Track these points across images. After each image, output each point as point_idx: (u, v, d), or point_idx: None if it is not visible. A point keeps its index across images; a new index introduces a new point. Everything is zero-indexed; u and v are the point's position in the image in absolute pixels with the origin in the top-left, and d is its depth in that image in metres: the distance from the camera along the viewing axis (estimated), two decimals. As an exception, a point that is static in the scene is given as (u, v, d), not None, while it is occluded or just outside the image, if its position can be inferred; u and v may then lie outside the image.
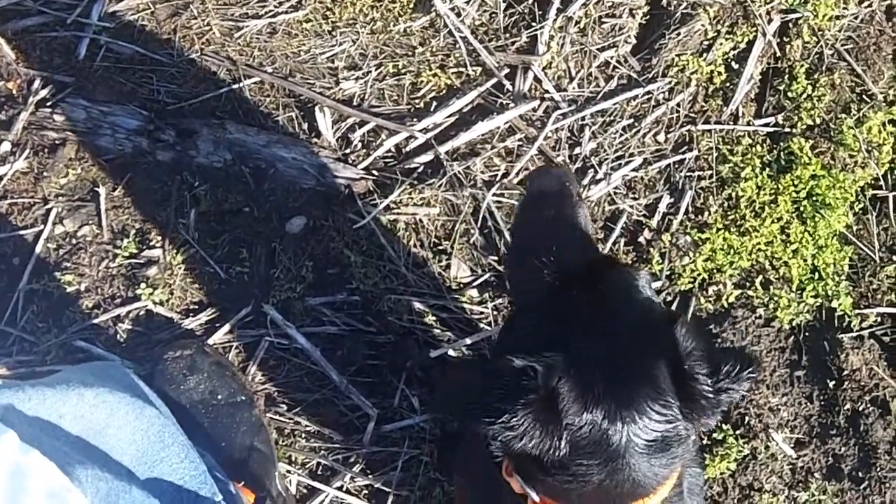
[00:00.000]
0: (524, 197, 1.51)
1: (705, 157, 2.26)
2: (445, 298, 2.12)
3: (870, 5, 2.35)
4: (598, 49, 2.29)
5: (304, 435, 2.06)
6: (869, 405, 2.11)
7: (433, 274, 2.14)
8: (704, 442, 2.07)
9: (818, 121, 2.27)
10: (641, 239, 2.21)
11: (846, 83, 2.31)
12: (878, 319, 2.18)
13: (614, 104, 2.26)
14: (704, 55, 2.29)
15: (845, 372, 2.13)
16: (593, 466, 1.17)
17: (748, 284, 2.19)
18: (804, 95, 2.27)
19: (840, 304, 2.15)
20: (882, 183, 2.26)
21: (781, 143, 2.26)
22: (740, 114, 2.29)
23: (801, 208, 2.20)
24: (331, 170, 2.18)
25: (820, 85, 2.27)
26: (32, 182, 2.17)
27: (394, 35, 2.29)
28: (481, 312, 2.13)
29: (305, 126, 2.23)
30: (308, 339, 2.08)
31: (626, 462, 1.17)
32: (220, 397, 1.91)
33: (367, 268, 2.13)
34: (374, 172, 2.20)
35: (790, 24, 2.32)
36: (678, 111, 2.28)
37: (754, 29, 2.30)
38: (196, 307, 2.12)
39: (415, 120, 2.23)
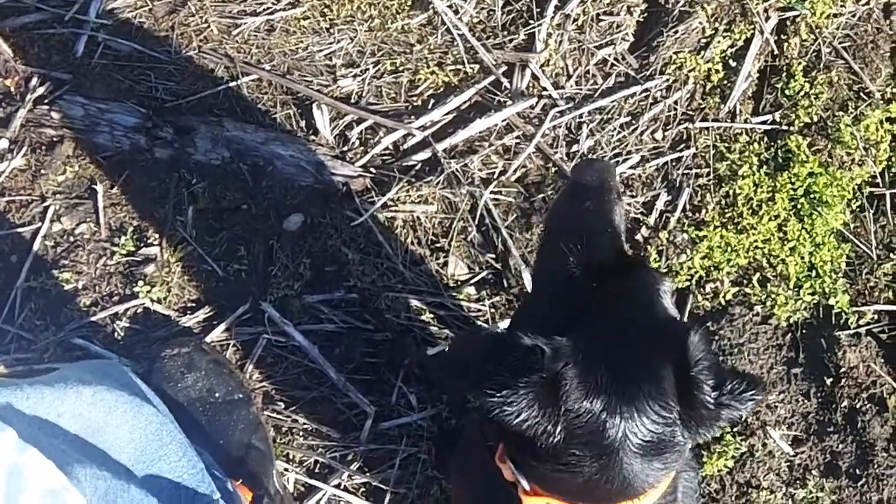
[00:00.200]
0: (566, 185, 1.52)
1: (703, 154, 2.26)
2: (443, 296, 2.12)
3: (867, 3, 2.35)
4: (595, 47, 2.29)
5: (301, 433, 2.06)
6: (866, 402, 2.11)
7: (431, 271, 2.14)
8: (700, 441, 2.07)
9: (816, 118, 2.27)
10: (639, 236, 2.21)
11: (844, 81, 2.31)
12: (876, 317, 2.19)
13: (612, 102, 2.27)
14: (702, 53, 2.29)
15: (843, 369, 2.13)
16: (586, 458, 1.17)
17: (745, 282, 2.19)
18: (802, 93, 2.27)
19: (837, 302, 2.15)
20: (879, 180, 2.26)
21: (779, 141, 2.26)
22: (738, 111, 2.29)
23: (799, 206, 2.21)
24: (328, 167, 2.18)
25: (817, 83, 2.28)
26: (30, 179, 2.16)
27: (392, 32, 2.29)
28: (479, 310, 2.13)
29: (303, 123, 2.23)
30: (306, 336, 2.08)
31: (620, 459, 1.17)
32: (217, 395, 1.91)
33: (365, 265, 2.13)
34: (372, 170, 2.20)
35: (788, 22, 2.32)
36: (676, 109, 2.28)
37: (752, 27, 2.30)
38: (194, 305, 2.12)
39: (412, 117, 2.23)
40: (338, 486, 2.04)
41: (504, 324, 2.12)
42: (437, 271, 2.14)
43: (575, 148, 2.24)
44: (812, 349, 2.16)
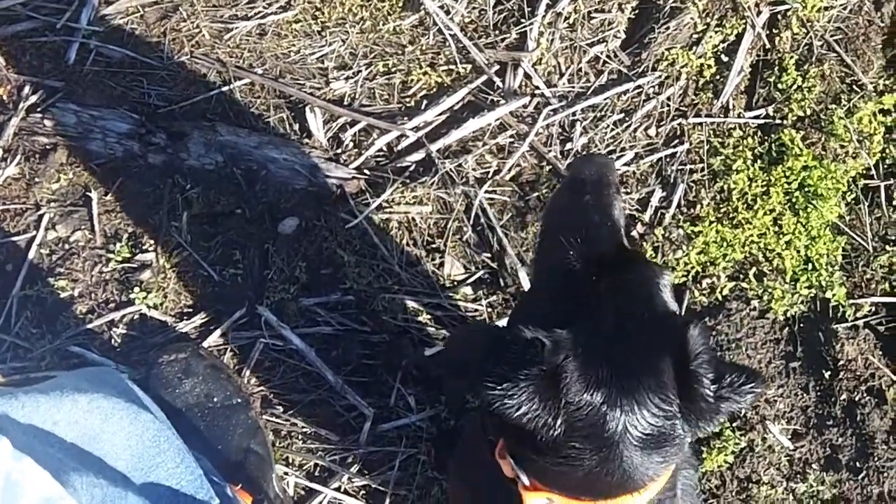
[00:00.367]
0: (564, 179, 1.53)
1: (697, 150, 2.26)
2: (439, 296, 2.12)
3: (858, -5, 2.35)
4: (587, 44, 2.29)
5: (300, 436, 2.06)
6: (865, 395, 2.11)
7: (427, 272, 2.14)
8: (700, 435, 2.07)
9: (809, 112, 2.27)
10: (634, 233, 2.21)
11: (836, 74, 2.31)
12: (873, 309, 2.19)
13: (605, 99, 2.27)
14: (694, 48, 2.29)
15: (841, 362, 2.13)
16: (586, 451, 1.17)
17: (742, 276, 2.19)
18: (794, 87, 2.27)
19: (834, 295, 2.15)
20: (874, 172, 2.26)
21: (772, 135, 2.26)
22: (731, 106, 2.29)
23: (794, 199, 2.21)
24: (322, 170, 2.18)
25: (810, 76, 2.28)
26: (24, 188, 2.16)
27: (383, 34, 2.28)
28: (475, 310, 2.13)
29: (296, 127, 2.23)
30: (303, 339, 2.08)
31: (620, 451, 1.17)
32: (215, 400, 1.90)
33: (361, 267, 2.13)
34: (366, 172, 2.20)
35: (779, 16, 2.32)
36: (669, 105, 2.28)
37: (743, 21, 2.30)
38: (190, 310, 2.11)
39: (406, 118, 2.23)
40: (338, 489, 2.04)
41: (501, 322, 2.11)
42: (434, 272, 2.14)
43: (569, 146, 2.24)
44: (810, 343, 2.16)
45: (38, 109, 2.19)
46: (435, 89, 2.27)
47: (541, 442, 1.19)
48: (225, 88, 2.22)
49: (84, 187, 2.17)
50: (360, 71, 2.26)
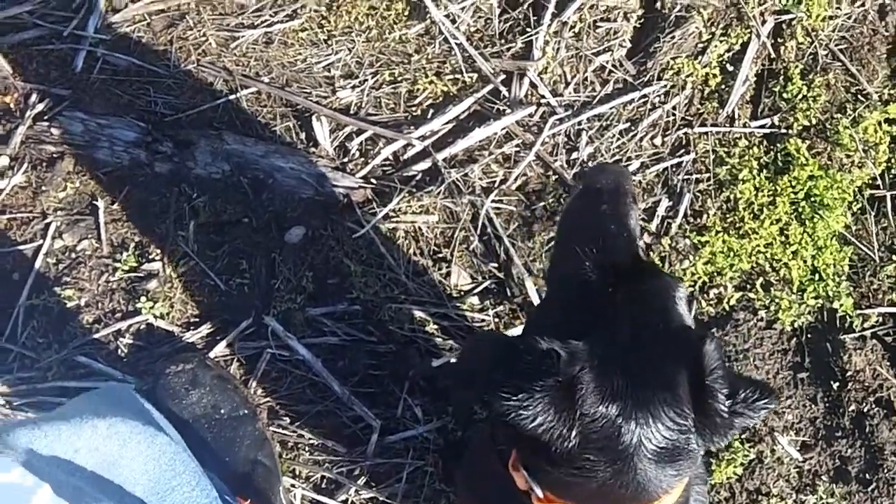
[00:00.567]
0: (580, 189, 1.52)
1: (702, 159, 2.26)
2: (446, 306, 2.12)
3: (862, 5, 2.36)
4: (593, 53, 2.29)
5: (307, 448, 2.05)
6: (874, 406, 2.11)
7: (434, 282, 2.14)
8: (713, 449, 2.07)
9: (814, 121, 2.27)
10: (641, 243, 2.20)
11: (841, 83, 2.31)
12: (880, 319, 2.19)
13: (610, 108, 2.27)
14: (699, 58, 2.29)
15: (849, 373, 2.12)
16: (601, 463, 1.17)
17: (749, 287, 2.19)
18: (800, 96, 2.28)
19: (841, 305, 2.15)
20: (879, 182, 2.26)
21: (778, 145, 2.26)
22: (736, 116, 2.29)
23: (800, 209, 2.21)
24: (329, 179, 2.17)
25: (815, 85, 2.28)
26: (31, 196, 2.16)
27: (389, 43, 2.28)
28: (483, 320, 2.12)
29: (303, 136, 2.22)
30: (309, 350, 2.07)
31: (634, 464, 1.17)
32: (222, 411, 1.90)
33: (368, 277, 2.13)
34: (373, 181, 2.19)
35: (784, 25, 2.32)
36: (674, 114, 2.28)
37: (748, 31, 2.30)
38: (197, 320, 2.11)
39: (412, 127, 2.23)
40: (345, 502, 2.03)
41: (510, 332, 2.11)
42: (440, 282, 2.14)
43: (575, 155, 2.24)
44: (818, 353, 2.16)
45: (45, 118, 2.18)
46: (441, 98, 2.27)
47: (555, 453, 1.18)
48: (231, 97, 2.22)
49: (91, 196, 2.16)
50: (367, 80, 2.26)
